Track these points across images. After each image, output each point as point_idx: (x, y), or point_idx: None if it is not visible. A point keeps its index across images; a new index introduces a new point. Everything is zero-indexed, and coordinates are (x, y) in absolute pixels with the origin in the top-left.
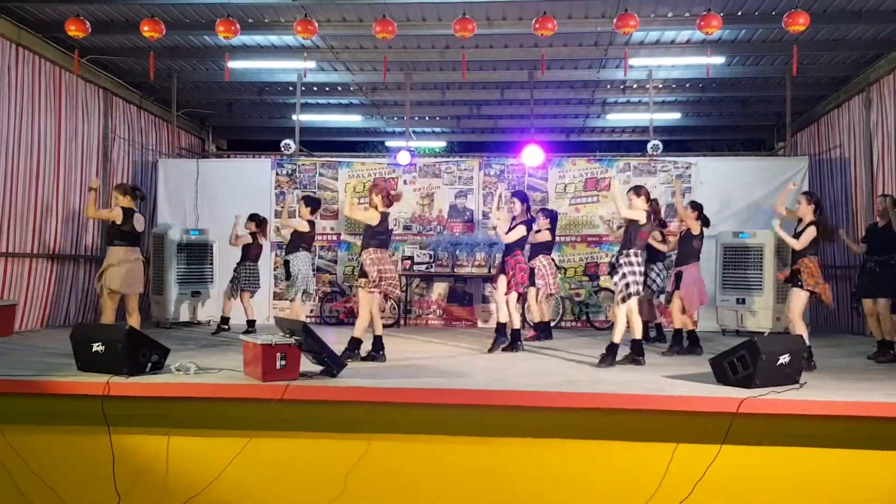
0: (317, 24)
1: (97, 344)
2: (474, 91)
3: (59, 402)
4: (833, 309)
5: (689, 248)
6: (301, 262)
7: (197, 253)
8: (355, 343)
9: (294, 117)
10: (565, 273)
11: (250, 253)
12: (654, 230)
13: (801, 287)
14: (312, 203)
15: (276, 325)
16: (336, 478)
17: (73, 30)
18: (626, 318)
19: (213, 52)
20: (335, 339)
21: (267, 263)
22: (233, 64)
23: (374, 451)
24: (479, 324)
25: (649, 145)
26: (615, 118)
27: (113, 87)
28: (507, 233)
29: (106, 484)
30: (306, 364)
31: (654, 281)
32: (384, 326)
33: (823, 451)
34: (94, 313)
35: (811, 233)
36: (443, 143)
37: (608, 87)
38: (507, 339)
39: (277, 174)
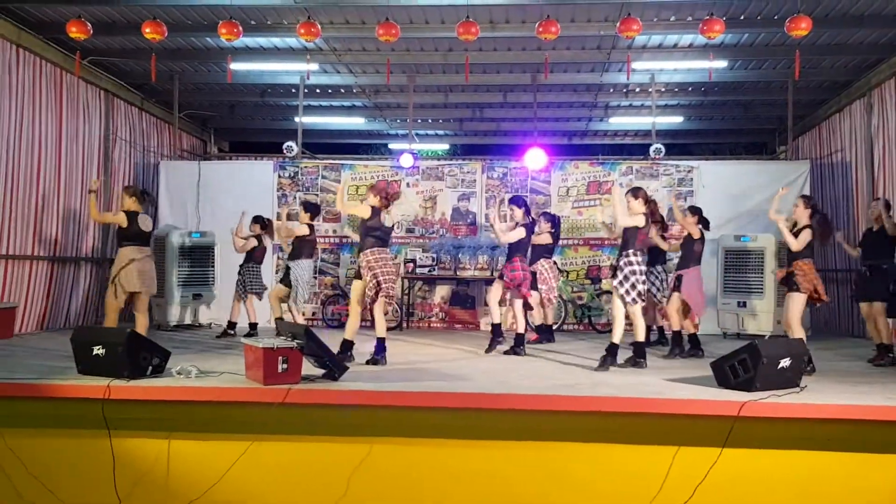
0: (319, 27)
1: (98, 347)
2: (477, 94)
3: (59, 405)
4: (833, 312)
5: (690, 251)
6: (301, 269)
7: (199, 256)
8: (347, 345)
9: (297, 119)
10: (567, 276)
11: (255, 255)
12: (652, 229)
13: (798, 290)
14: (312, 209)
15: (278, 328)
16: (338, 481)
17: (75, 31)
18: (628, 318)
19: (216, 53)
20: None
21: (269, 266)
22: (235, 66)
23: (376, 454)
24: (482, 326)
25: (652, 149)
26: (618, 121)
27: (114, 89)
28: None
29: (106, 487)
30: (308, 367)
31: (654, 284)
32: (386, 329)
33: (824, 454)
34: (94, 316)
35: (808, 234)
36: (446, 146)
37: (611, 90)
38: (503, 338)
39: (280, 176)
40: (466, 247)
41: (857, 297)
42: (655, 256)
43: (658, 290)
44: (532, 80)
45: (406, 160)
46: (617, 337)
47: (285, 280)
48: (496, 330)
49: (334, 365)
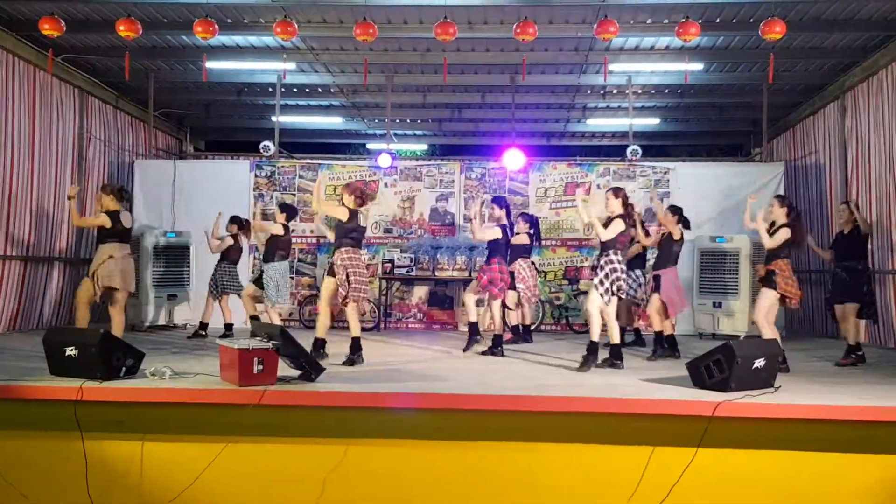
0: (296, 26)
1: (70, 348)
2: (456, 94)
3: (31, 407)
4: (807, 312)
5: (668, 251)
6: (274, 271)
7: (174, 256)
8: (319, 343)
9: (273, 119)
10: (545, 276)
11: (230, 255)
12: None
13: (774, 288)
14: (288, 210)
15: (253, 329)
16: (314, 483)
17: (48, 28)
18: (600, 315)
19: (191, 51)
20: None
21: (245, 266)
22: (211, 64)
23: (353, 455)
24: (460, 327)
25: (629, 150)
26: (595, 123)
27: (88, 87)
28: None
29: (79, 490)
30: (284, 369)
31: (632, 286)
32: (364, 330)
33: (798, 454)
34: (68, 316)
35: (785, 233)
36: (424, 146)
37: (588, 92)
38: (480, 337)
39: (256, 176)
40: (444, 247)
41: (832, 299)
42: (634, 259)
43: (636, 292)
44: (510, 81)
45: (384, 160)
46: (595, 335)
47: (258, 281)
48: (473, 329)
49: (310, 366)
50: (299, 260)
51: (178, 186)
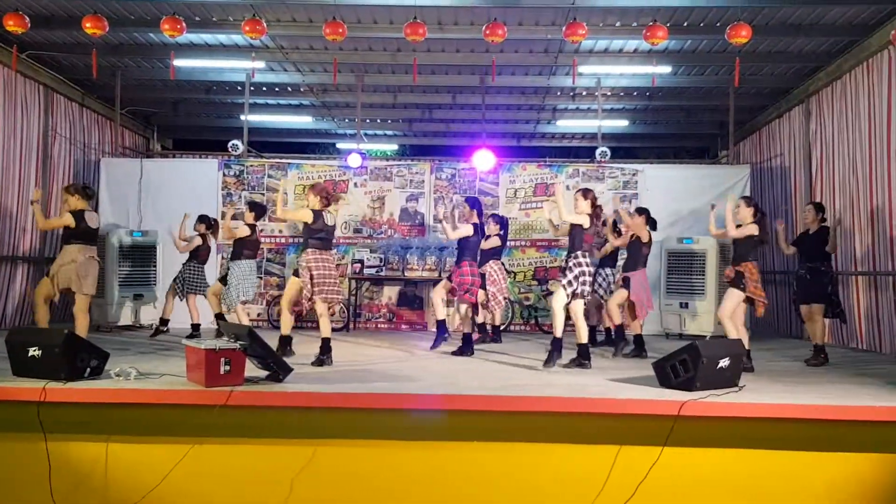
0: (265, 24)
1: (34, 348)
2: (426, 95)
3: None
4: (772, 313)
5: (637, 253)
6: (240, 269)
7: (140, 255)
8: (285, 340)
9: (242, 117)
10: (515, 277)
11: (199, 254)
12: (599, 231)
13: (742, 290)
14: (257, 209)
15: (220, 329)
16: (282, 484)
17: (12, 25)
18: (563, 312)
19: (159, 49)
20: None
21: (213, 265)
22: (179, 62)
23: (321, 456)
24: (430, 327)
25: (598, 152)
26: (565, 124)
27: (54, 84)
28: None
29: (42, 493)
30: (252, 369)
31: (601, 286)
32: (333, 330)
33: (761, 452)
34: (31, 317)
35: (752, 228)
36: (394, 146)
37: (558, 93)
38: (448, 334)
39: (225, 175)
40: (414, 247)
41: (797, 299)
42: (604, 258)
43: (605, 291)
44: (480, 82)
45: (354, 160)
46: (558, 331)
47: (224, 279)
48: (441, 326)
49: (278, 366)
50: (268, 260)
51: (144, 185)
